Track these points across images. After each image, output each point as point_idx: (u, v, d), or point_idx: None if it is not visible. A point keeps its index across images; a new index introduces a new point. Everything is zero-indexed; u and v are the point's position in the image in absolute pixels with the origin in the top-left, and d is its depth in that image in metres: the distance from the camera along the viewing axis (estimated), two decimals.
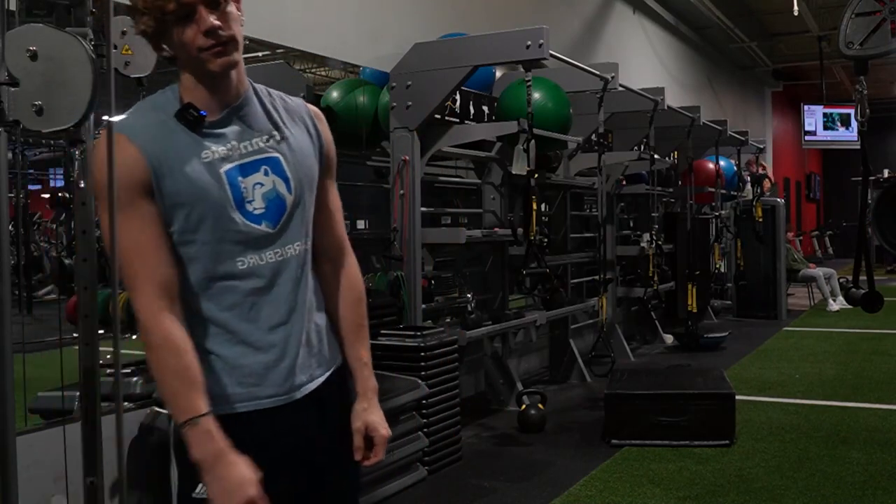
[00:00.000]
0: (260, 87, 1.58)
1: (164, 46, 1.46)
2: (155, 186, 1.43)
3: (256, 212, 1.48)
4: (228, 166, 1.47)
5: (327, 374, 1.61)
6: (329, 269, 1.66)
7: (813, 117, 17.51)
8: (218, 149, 1.47)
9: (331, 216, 1.65)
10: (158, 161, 1.43)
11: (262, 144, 1.51)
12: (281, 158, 1.51)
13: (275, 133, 1.53)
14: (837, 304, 10.60)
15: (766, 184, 10.03)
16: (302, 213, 1.54)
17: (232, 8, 1.46)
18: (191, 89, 1.48)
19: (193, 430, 1.39)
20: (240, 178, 1.47)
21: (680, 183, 8.32)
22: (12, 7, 2.03)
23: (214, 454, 1.39)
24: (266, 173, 1.49)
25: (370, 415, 1.64)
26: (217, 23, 1.43)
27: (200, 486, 1.42)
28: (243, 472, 1.39)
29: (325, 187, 1.63)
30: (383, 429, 1.63)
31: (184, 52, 1.44)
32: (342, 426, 1.62)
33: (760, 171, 10.15)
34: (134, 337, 3.28)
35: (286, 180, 1.51)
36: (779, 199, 10.16)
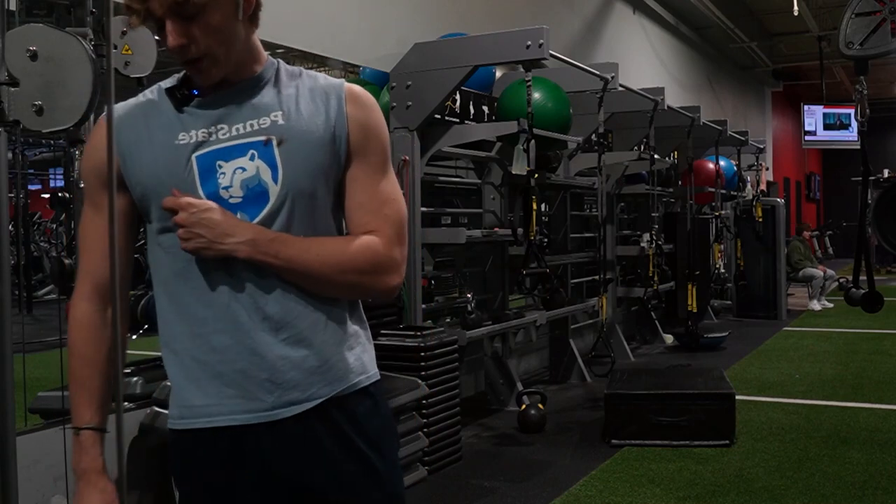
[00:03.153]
0: (289, 68, 1.40)
1: None
2: (123, 170, 1.34)
3: (233, 200, 1.30)
4: (206, 150, 1.31)
5: (333, 393, 1.36)
6: None
7: (813, 117, 17.52)
8: (198, 131, 1.32)
9: (352, 207, 1.37)
10: (128, 144, 1.34)
11: (257, 125, 1.32)
12: (274, 142, 1.31)
13: (277, 114, 1.33)
14: (820, 304, 10.65)
15: (763, 177, 10.02)
16: (302, 207, 1.33)
17: (213, 18, 1.26)
18: None
19: (75, 440, 1.39)
20: (220, 163, 1.31)
21: (680, 183, 8.31)
22: (12, 7, 2.03)
23: (81, 471, 1.37)
24: (252, 157, 1.31)
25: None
26: (180, 41, 1.25)
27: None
28: (93, 500, 1.36)
29: (350, 179, 1.37)
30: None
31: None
32: (349, 457, 1.38)
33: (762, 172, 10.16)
34: (134, 337, 3.29)
35: (273, 167, 1.31)
36: (779, 199, 10.17)
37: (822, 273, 10.73)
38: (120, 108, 1.38)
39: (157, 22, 1.26)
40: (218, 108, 1.34)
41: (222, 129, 1.33)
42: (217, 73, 1.31)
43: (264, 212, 1.31)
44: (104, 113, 1.36)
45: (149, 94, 1.40)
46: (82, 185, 1.69)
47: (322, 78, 1.40)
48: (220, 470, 1.36)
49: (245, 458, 1.35)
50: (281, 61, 1.41)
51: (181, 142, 1.32)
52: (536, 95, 4.69)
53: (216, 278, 1.32)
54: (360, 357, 1.41)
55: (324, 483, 1.37)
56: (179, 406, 1.37)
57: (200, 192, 1.30)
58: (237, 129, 1.33)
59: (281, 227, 1.31)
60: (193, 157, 1.31)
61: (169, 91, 1.35)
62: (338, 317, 1.38)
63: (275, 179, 1.31)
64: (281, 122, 1.33)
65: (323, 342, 1.35)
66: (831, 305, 10.71)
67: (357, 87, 1.41)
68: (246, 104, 1.34)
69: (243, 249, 1.27)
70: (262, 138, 1.32)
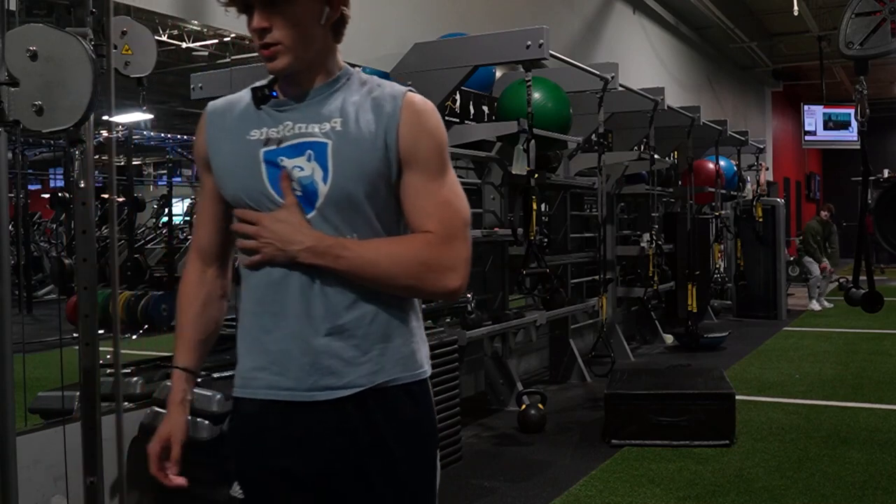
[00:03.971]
0: (362, 77, 1.50)
1: None
2: (210, 161, 1.51)
3: (294, 193, 1.43)
4: (273, 147, 1.44)
5: (370, 385, 1.43)
6: None
7: (813, 117, 17.52)
8: (269, 129, 1.45)
9: (410, 217, 1.45)
10: (214, 137, 1.50)
11: (317, 129, 1.43)
12: (329, 146, 1.41)
13: (337, 120, 1.43)
14: (819, 304, 10.65)
15: (763, 177, 9.99)
16: (348, 210, 1.42)
17: (297, 12, 1.39)
18: None
19: (171, 376, 1.58)
20: (283, 159, 1.43)
21: (680, 183, 8.32)
22: (12, 7, 2.03)
23: (167, 402, 1.57)
24: (309, 158, 1.42)
25: None
26: (262, 24, 1.39)
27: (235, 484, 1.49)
28: (163, 427, 1.54)
29: (406, 186, 1.45)
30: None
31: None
32: (373, 450, 1.45)
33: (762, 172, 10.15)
34: (134, 337, 3.29)
35: (325, 169, 1.41)
36: (779, 199, 10.17)
37: (819, 272, 10.67)
38: (216, 103, 1.55)
39: (246, 8, 1.40)
40: (289, 110, 1.46)
41: (288, 127, 1.45)
42: (285, 64, 1.42)
43: (314, 210, 1.42)
44: (208, 106, 1.53)
45: (243, 91, 1.53)
46: (82, 185, 1.69)
47: (389, 86, 1.48)
48: (258, 437, 1.49)
49: (280, 432, 1.46)
50: (358, 71, 1.51)
51: (252, 137, 1.46)
52: (536, 95, 4.69)
53: (276, 267, 1.44)
54: (407, 353, 1.48)
55: (344, 470, 1.45)
56: (237, 375, 1.51)
57: (268, 184, 1.43)
58: (300, 129, 1.44)
59: (328, 225, 1.42)
60: (261, 152, 1.44)
61: (253, 90, 1.49)
62: (387, 312, 1.46)
63: (325, 181, 1.41)
64: (339, 127, 1.43)
65: (366, 335, 1.44)
66: (831, 306, 10.71)
67: (417, 96, 1.48)
68: (313, 109, 1.45)
69: (305, 255, 1.40)
70: (320, 140, 1.43)
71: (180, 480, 1.54)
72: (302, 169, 1.42)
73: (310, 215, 1.42)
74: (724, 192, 8.70)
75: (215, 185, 1.52)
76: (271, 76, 1.48)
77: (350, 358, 1.43)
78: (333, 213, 1.42)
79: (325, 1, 1.42)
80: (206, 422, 3.06)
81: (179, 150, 5.11)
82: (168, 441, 1.53)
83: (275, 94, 1.47)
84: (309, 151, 1.42)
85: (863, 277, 3.22)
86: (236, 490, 1.52)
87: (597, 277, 6.30)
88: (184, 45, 4.77)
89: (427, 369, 1.52)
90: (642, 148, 6.77)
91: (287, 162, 1.42)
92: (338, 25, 1.46)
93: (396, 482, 1.46)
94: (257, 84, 1.50)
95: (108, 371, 2.55)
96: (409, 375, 1.47)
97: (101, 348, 2.33)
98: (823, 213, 11.02)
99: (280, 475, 1.47)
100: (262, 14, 1.38)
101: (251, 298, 1.48)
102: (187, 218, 5.69)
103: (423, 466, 1.50)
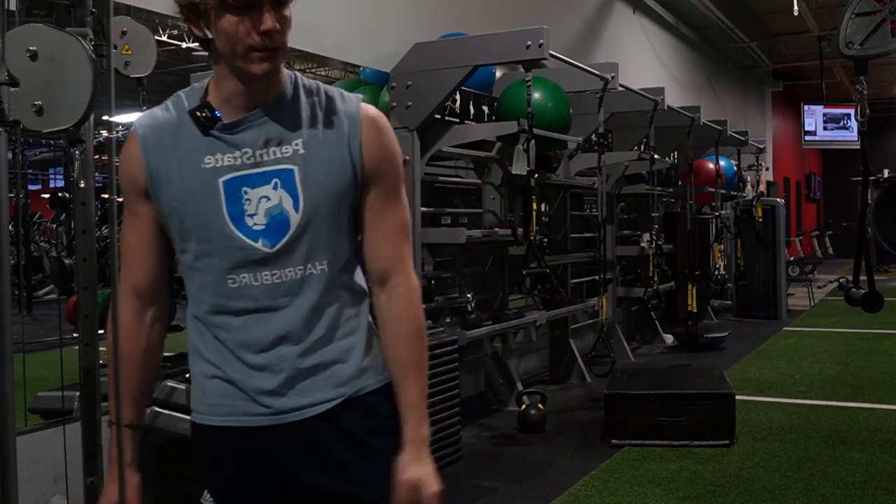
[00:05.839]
0: (308, 85, 1.44)
1: (203, 27, 1.33)
2: (151, 190, 1.40)
3: (256, 227, 1.36)
4: (232, 175, 1.36)
5: (339, 400, 1.43)
6: (383, 298, 1.47)
7: (813, 117, 17.51)
8: (224, 156, 1.36)
9: (373, 237, 1.45)
10: (157, 166, 1.39)
11: (279, 154, 1.37)
12: (296, 171, 1.36)
13: (298, 142, 1.37)
14: None
15: (763, 177, 9.95)
16: (319, 234, 1.39)
17: (290, 12, 1.35)
18: (221, 81, 1.38)
19: (112, 432, 1.47)
20: (245, 189, 1.36)
21: (680, 183, 8.31)
22: (12, 7, 2.03)
23: (116, 463, 1.46)
24: (275, 187, 1.36)
25: (416, 468, 1.42)
26: (278, 26, 1.32)
27: (206, 493, 1.47)
28: (112, 492, 1.45)
29: (367, 204, 1.43)
30: (430, 486, 1.42)
31: (226, 42, 1.32)
32: (352, 462, 1.44)
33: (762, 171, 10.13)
34: None
35: (295, 197, 1.36)
36: (779, 199, 10.16)
37: None
38: (147, 124, 1.42)
39: (252, 5, 1.30)
40: (245, 130, 1.37)
41: (247, 153, 1.37)
42: (277, 67, 1.36)
43: (284, 239, 1.37)
44: (134, 125, 1.42)
45: (172, 108, 1.42)
46: (82, 185, 1.68)
47: (339, 97, 1.43)
48: (230, 464, 1.46)
49: (254, 456, 1.43)
50: (298, 74, 1.45)
51: (207, 165, 1.37)
52: (536, 95, 4.69)
53: (240, 294, 1.39)
54: (370, 362, 1.47)
55: (315, 486, 1.44)
56: (198, 402, 1.47)
57: (226, 216, 1.36)
58: (261, 156, 1.37)
59: (300, 252, 1.38)
60: (220, 181, 1.36)
61: (191, 113, 1.38)
62: (347, 326, 1.45)
63: (296, 208, 1.37)
64: (302, 150, 1.37)
65: (333, 351, 1.43)
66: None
67: (372, 110, 1.44)
68: (271, 128, 1.38)
69: (430, 460, 1.44)
70: (286, 167, 1.37)
71: None
72: (269, 199, 1.36)
73: (278, 246, 1.37)
74: (724, 192, 8.70)
75: (153, 216, 1.42)
76: (201, 94, 1.40)
77: (317, 374, 1.42)
78: (304, 242, 1.38)
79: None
80: None
81: None
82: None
83: (217, 113, 1.37)
84: (275, 180, 1.36)
85: (863, 277, 3.22)
86: (207, 498, 1.51)
87: (597, 277, 6.30)
88: (184, 45, 4.78)
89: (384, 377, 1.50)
90: (642, 148, 6.76)
91: (251, 193, 1.36)
92: None
93: (353, 490, 1.45)
94: (192, 106, 1.39)
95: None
96: (375, 382, 1.47)
97: (101, 348, 2.34)
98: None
99: (252, 488, 1.46)
100: (274, 15, 1.31)
101: (209, 326, 1.43)
102: None
103: (385, 471, 1.46)
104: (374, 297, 1.49)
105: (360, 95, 1.45)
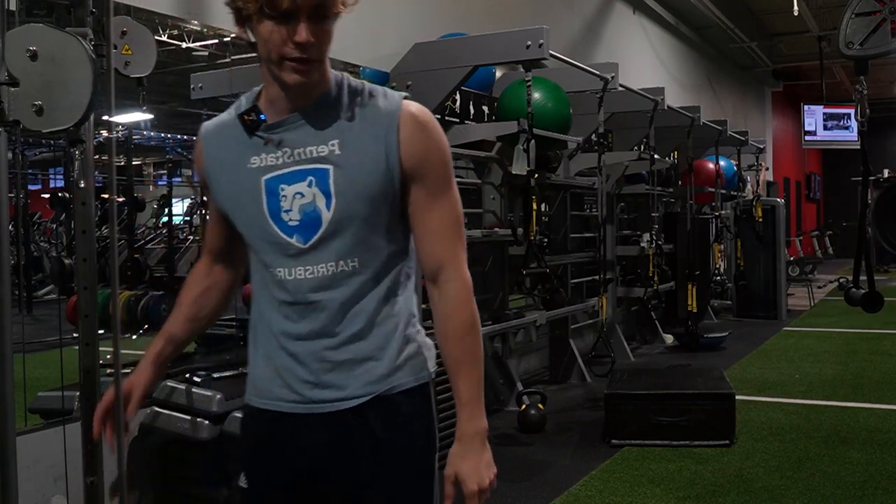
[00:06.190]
0: (353, 85, 1.46)
1: (248, 31, 1.37)
2: (209, 186, 1.52)
3: (291, 223, 1.42)
4: (273, 174, 1.42)
5: (368, 397, 1.46)
6: (435, 295, 1.51)
7: (813, 117, 17.52)
8: (268, 156, 1.43)
9: (422, 234, 1.47)
10: (212, 164, 1.50)
11: (316, 153, 1.41)
12: (330, 171, 1.40)
13: (334, 142, 1.40)
14: None
15: (763, 177, 9.94)
16: (352, 233, 1.41)
17: (331, 26, 1.36)
18: (267, 85, 1.44)
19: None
20: (283, 187, 1.42)
21: (680, 183, 8.31)
22: (12, 7, 2.03)
23: (143, 356, 1.63)
24: (310, 184, 1.40)
25: (460, 463, 1.47)
26: (312, 39, 1.33)
27: (242, 475, 1.55)
28: (128, 379, 1.61)
29: (413, 202, 1.45)
30: (473, 481, 1.46)
31: (263, 48, 1.35)
32: (366, 460, 1.47)
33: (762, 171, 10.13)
34: (134, 337, 3.29)
35: (328, 196, 1.40)
36: (779, 199, 10.16)
37: None
38: (211, 124, 1.53)
39: (289, 15, 1.31)
40: (287, 131, 1.42)
41: (286, 152, 1.42)
42: (313, 79, 1.39)
43: (316, 236, 1.42)
44: (201, 129, 1.53)
45: (233, 110, 1.50)
46: (82, 185, 1.69)
47: (381, 96, 1.45)
48: (262, 447, 1.53)
49: (283, 441, 1.49)
50: (345, 75, 1.47)
51: (252, 165, 1.44)
52: (536, 95, 4.69)
53: (281, 286, 1.45)
54: (404, 361, 1.50)
55: (338, 478, 1.48)
56: (250, 384, 1.55)
57: (266, 212, 1.43)
58: (298, 155, 1.41)
59: (332, 249, 1.42)
60: (262, 180, 1.43)
61: (240, 117, 1.45)
62: (384, 325, 1.48)
63: (328, 207, 1.40)
64: (337, 151, 1.40)
65: (366, 347, 1.46)
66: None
67: (414, 107, 1.45)
68: (309, 129, 1.42)
69: (479, 455, 1.52)
70: (321, 167, 1.40)
71: (106, 436, 1.59)
72: (303, 195, 1.41)
73: (311, 242, 1.42)
74: (724, 192, 8.70)
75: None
76: (254, 97, 1.46)
77: (351, 369, 1.46)
78: (336, 240, 1.42)
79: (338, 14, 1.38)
80: (206, 422, 3.05)
81: (179, 150, 5.10)
82: (128, 395, 1.58)
83: (262, 116, 1.44)
84: (310, 178, 1.41)
85: (863, 277, 3.22)
86: (242, 481, 1.55)
87: (597, 277, 6.30)
88: (184, 45, 4.77)
89: (422, 375, 1.54)
90: (642, 148, 6.76)
91: (287, 189, 1.41)
92: None
93: (372, 485, 1.49)
94: (243, 110, 1.45)
95: (108, 371, 2.55)
96: (410, 381, 1.50)
97: (101, 348, 2.34)
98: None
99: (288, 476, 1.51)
100: (312, 27, 1.33)
101: (263, 313, 1.51)
102: (187, 218, 5.69)
103: (408, 470, 1.52)
104: (428, 294, 1.53)
105: (404, 93, 1.46)
